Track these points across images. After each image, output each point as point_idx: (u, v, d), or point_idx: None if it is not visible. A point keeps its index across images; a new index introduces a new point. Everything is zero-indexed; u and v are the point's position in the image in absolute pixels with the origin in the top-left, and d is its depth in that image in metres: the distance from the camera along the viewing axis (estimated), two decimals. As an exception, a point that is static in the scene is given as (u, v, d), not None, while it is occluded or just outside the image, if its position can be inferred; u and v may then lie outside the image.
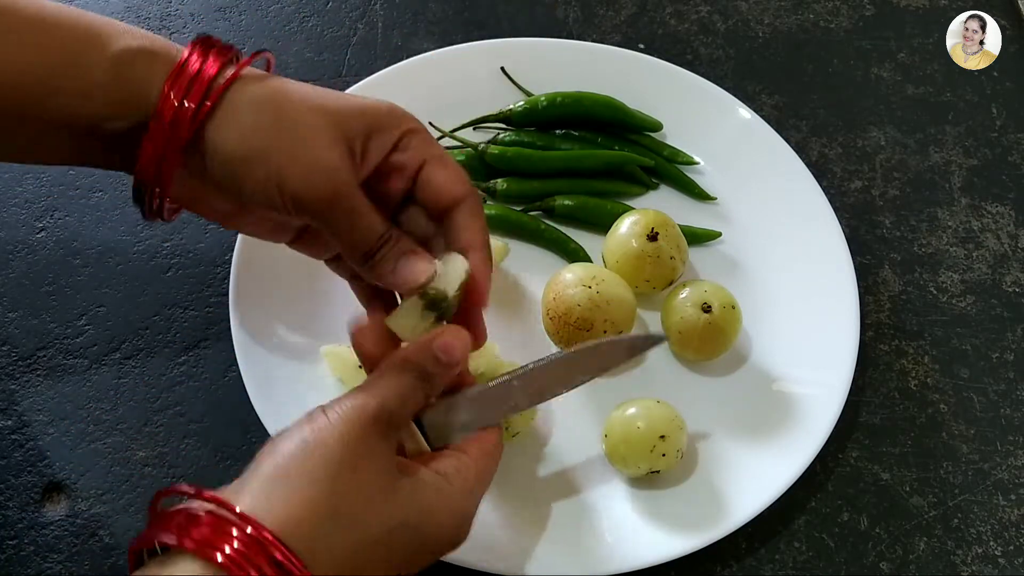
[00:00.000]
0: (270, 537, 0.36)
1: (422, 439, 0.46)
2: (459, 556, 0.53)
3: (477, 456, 0.46)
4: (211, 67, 0.43)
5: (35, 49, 0.43)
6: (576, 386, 0.49)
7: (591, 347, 0.49)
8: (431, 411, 0.47)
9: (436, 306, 0.45)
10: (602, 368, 0.50)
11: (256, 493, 0.38)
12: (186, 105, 0.43)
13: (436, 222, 0.48)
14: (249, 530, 0.36)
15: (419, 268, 0.45)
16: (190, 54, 0.44)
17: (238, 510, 0.37)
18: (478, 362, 0.56)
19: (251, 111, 0.44)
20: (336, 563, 0.38)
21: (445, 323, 0.47)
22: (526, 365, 0.49)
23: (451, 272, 0.46)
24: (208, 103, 0.43)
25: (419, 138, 0.47)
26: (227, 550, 0.36)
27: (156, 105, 0.43)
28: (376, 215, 0.45)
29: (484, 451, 0.46)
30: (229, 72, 0.44)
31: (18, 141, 0.45)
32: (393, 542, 0.41)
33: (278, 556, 0.36)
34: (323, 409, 0.42)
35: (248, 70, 0.45)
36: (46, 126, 0.44)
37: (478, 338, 0.48)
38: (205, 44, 0.44)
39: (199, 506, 0.38)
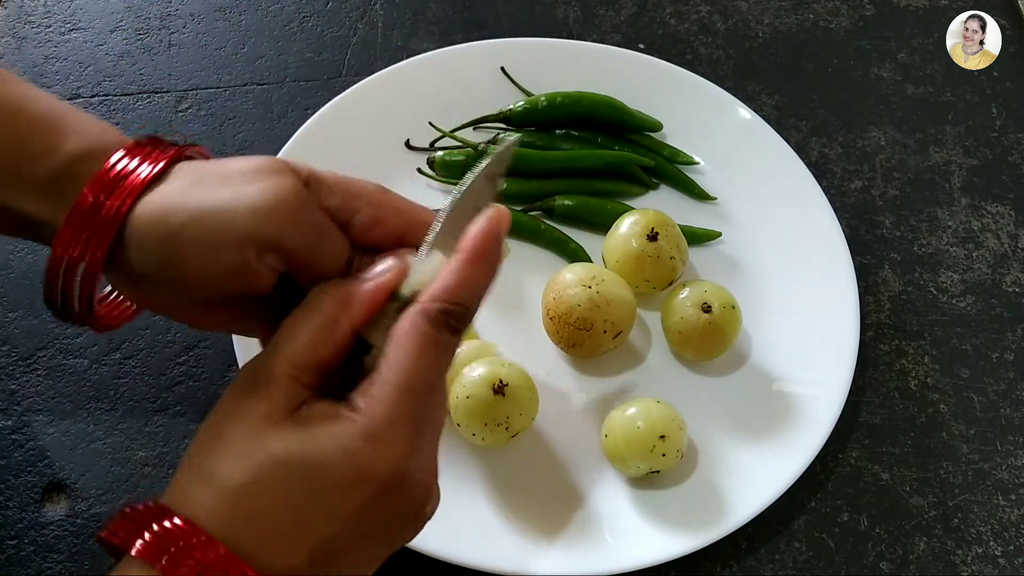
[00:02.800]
0: (149, 506, 0.36)
1: None
2: (459, 556, 0.53)
3: (381, 363, 0.38)
4: (140, 166, 0.41)
5: None
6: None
7: (464, 192, 0.41)
8: None
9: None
10: (476, 209, 0.41)
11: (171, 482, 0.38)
12: (106, 204, 0.39)
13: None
14: (166, 522, 0.35)
15: (392, 268, 0.41)
16: (120, 157, 0.41)
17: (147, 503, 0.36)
18: (478, 361, 0.56)
19: (173, 184, 0.41)
20: (210, 509, 0.35)
21: None
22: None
23: (428, 269, 0.41)
24: (134, 192, 0.40)
25: (388, 208, 0.42)
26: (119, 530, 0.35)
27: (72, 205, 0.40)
28: (339, 231, 0.42)
29: (392, 348, 0.38)
30: (155, 168, 0.41)
31: None
32: (275, 487, 0.36)
33: (131, 509, 0.35)
34: None
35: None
36: None
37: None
38: (141, 144, 0.42)
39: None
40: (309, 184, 0.41)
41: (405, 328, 0.38)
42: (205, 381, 0.60)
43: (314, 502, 0.36)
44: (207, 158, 0.43)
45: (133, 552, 0.35)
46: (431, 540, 0.51)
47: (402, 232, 0.42)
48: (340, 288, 0.40)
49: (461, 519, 0.55)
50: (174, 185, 0.40)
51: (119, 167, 0.40)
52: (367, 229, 0.42)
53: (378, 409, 0.37)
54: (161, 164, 0.41)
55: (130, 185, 0.40)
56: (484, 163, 0.42)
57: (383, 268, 0.40)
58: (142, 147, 0.41)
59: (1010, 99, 0.74)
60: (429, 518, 0.41)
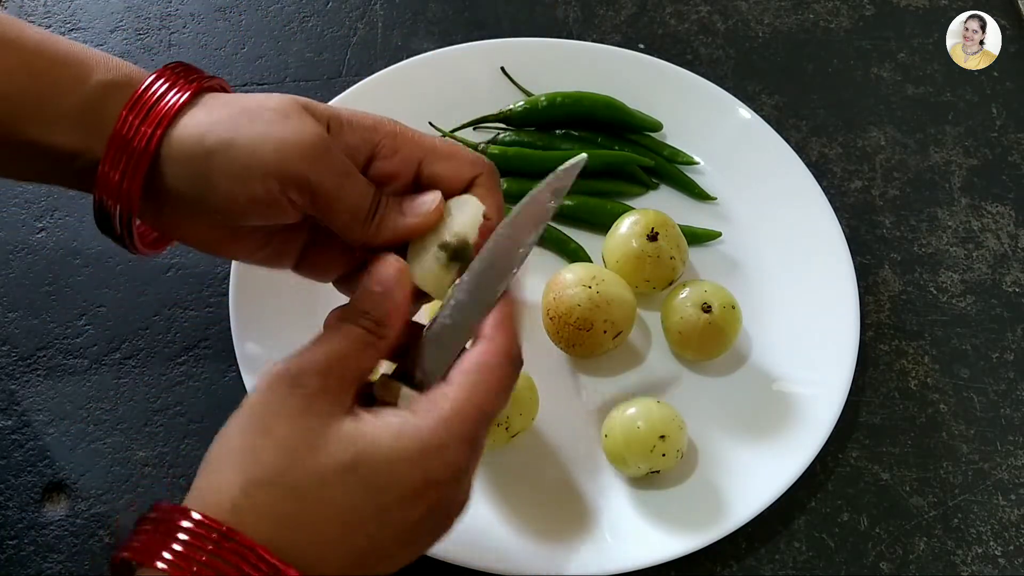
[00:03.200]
0: (193, 514, 0.35)
1: (406, 391, 0.42)
2: (459, 556, 0.53)
3: (459, 380, 0.40)
4: (171, 92, 0.43)
5: (11, 73, 0.42)
6: (525, 255, 0.44)
7: (520, 209, 0.44)
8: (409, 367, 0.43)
9: (460, 256, 0.43)
10: (540, 220, 0.44)
11: (194, 484, 0.38)
12: (142, 130, 0.42)
13: None
14: (184, 523, 0.35)
15: (426, 200, 0.44)
16: (152, 82, 0.43)
17: (166, 504, 0.36)
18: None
19: (209, 109, 0.43)
20: (272, 526, 0.36)
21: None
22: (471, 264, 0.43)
23: (467, 215, 0.44)
24: (167, 118, 0.42)
25: (403, 138, 0.45)
26: (173, 549, 0.35)
27: (113, 126, 0.42)
28: (361, 175, 0.44)
29: (467, 373, 0.40)
30: (185, 95, 0.43)
31: None
32: (341, 489, 0.37)
33: (187, 523, 0.35)
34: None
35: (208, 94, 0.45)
36: (18, 147, 0.43)
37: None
38: (171, 71, 0.44)
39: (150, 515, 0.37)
40: (330, 126, 0.43)
41: (491, 363, 0.41)
42: (205, 381, 0.60)
43: (377, 511, 0.37)
44: (228, 91, 0.46)
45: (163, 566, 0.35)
46: (431, 540, 0.51)
47: (419, 159, 0.45)
48: (383, 303, 0.41)
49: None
50: (206, 112, 0.43)
51: (152, 90, 0.43)
52: (386, 158, 0.44)
53: (456, 427, 0.39)
54: (191, 91, 0.43)
55: (164, 109, 0.42)
56: (552, 177, 0.44)
57: (423, 204, 0.44)
58: (174, 73, 0.44)
59: (1010, 99, 0.74)
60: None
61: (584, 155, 0.46)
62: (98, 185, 0.43)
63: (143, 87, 0.43)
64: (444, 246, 0.43)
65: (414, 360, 0.43)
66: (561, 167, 0.44)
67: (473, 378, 0.40)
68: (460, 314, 0.43)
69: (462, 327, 0.43)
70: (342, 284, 0.50)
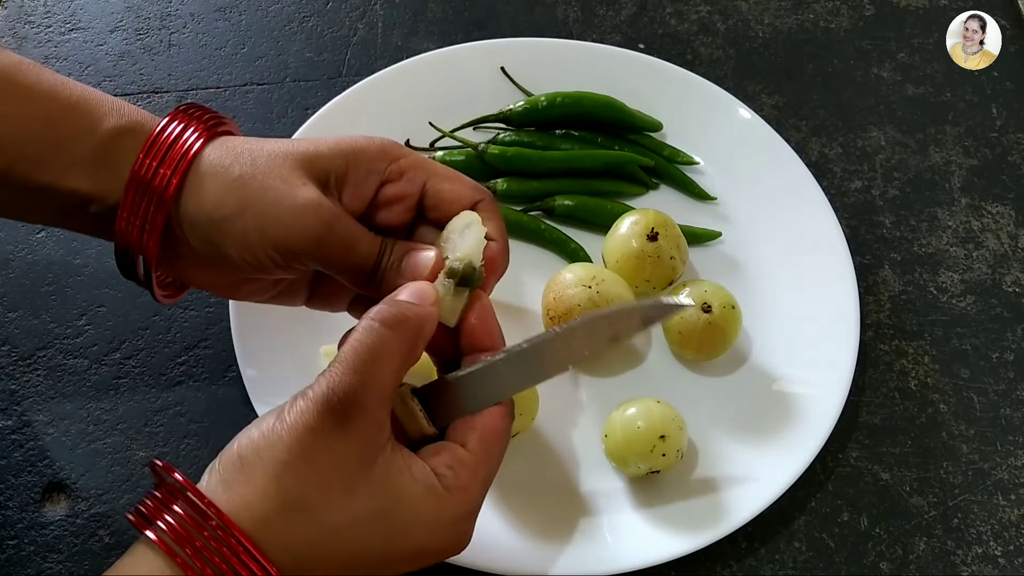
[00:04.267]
0: (231, 523, 0.37)
1: (423, 418, 0.43)
2: (458, 556, 0.53)
3: (477, 448, 0.42)
4: (185, 132, 0.44)
5: (25, 120, 0.43)
6: (587, 359, 0.46)
7: (603, 315, 0.45)
8: (432, 386, 0.44)
9: (468, 280, 0.45)
10: (615, 338, 0.44)
11: (217, 478, 0.39)
12: (160, 171, 0.43)
13: None
14: (215, 523, 0.37)
15: (424, 257, 0.45)
16: (166, 125, 0.45)
17: (206, 498, 0.38)
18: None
19: (219, 175, 0.44)
20: (293, 552, 0.38)
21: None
22: (534, 337, 0.44)
23: (470, 239, 0.45)
24: (185, 161, 0.44)
25: (409, 162, 0.46)
26: (195, 542, 0.37)
27: (128, 176, 0.44)
28: (367, 233, 0.45)
29: (485, 442, 0.43)
30: (198, 143, 0.45)
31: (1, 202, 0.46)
32: (364, 535, 0.39)
33: (236, 542, 0.37)
34: (297, 396, 0.40)
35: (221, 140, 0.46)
36: (29, 195, 0.44)
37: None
38: (183, 113, 0.45)
39: (169, 490, 0.38)
40: (335, 173, 0.45)
41: (498, 428, 0.43)
42: (205, 381, 0.60)
43: (384, 559, 0.40)
44: (236, 133, 0.47)
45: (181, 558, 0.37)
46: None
47: (424, 180, 0.46)
48: (409, 320, 0.42)
49: (461, 519, 0.55)
50: (219, 167, 0.44)
51: (167, 132, 0.44)
52: (394, 182, 0.46)
53: (459, 482, 0.41)
54: (206, 136, 0.45)
55: (182, 150, 0.44)
56: (650, 302, 0.44)
57: (419, 265, 0.45)
58: (186, 115, 0.45)
59: (1010, 99, 0.74)
60: None
61: (689, 303, 0.51)
62: (118, 231, 0.44)
63: (158, 130, 0.44)
64: (451, 272, 0.44)
65: (432, 395, 0.44)
66: (664, 303, 0.45)
67: (493, 453, 0.43)
68: (495, 380, 0.44)
69: (494, 396, 0.44)
70: (355, 310, 0.52)
